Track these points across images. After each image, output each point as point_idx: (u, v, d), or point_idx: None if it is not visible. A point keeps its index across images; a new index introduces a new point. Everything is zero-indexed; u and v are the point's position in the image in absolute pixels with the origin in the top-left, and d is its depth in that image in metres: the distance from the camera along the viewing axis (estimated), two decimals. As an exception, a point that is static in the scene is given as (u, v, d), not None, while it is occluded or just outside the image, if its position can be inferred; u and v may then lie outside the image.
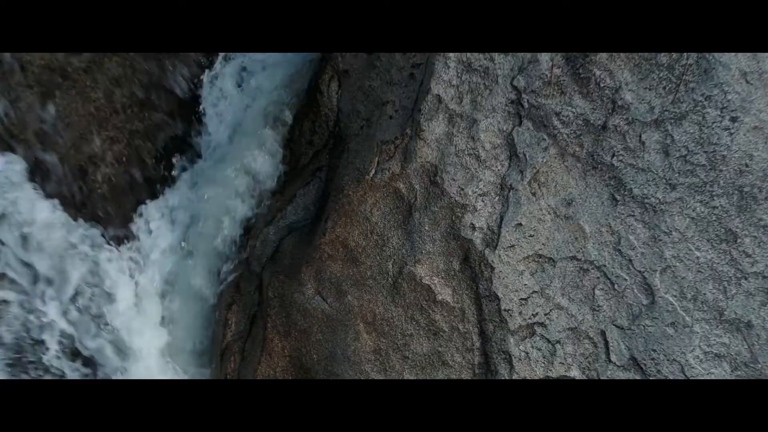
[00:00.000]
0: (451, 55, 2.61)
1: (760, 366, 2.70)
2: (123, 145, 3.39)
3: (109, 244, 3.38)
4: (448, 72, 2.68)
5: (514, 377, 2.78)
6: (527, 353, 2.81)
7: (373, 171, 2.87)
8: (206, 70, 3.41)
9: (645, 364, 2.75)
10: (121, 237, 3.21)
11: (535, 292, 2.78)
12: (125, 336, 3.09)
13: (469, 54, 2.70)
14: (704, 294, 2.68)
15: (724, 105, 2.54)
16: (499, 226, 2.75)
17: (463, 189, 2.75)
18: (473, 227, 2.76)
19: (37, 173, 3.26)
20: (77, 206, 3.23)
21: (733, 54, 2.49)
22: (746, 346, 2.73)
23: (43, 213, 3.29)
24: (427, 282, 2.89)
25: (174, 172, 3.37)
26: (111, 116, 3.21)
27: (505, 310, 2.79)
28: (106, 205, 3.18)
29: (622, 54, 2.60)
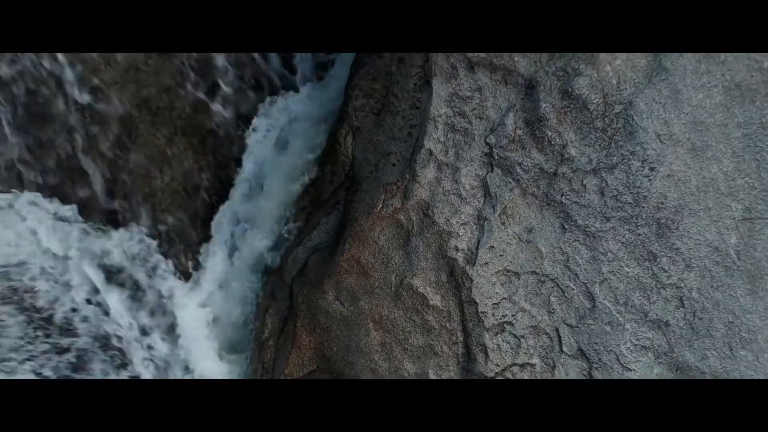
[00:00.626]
0: (440, 120, 3.30)
1: (675, 355, 3.35)
2: (181, 184, 4.07)
3: (176, 270, 4.06)
4: (437, 132, 3.36)
5: (488, 364, 3.45)
6: (499, 345, 3.47)
7: (380, 206, 3.56)
8: (251, 124, 4.05)
9: (589, 354, 3.41)
10: (185, 259, 3.89)
11: (505, 298, 3.45)
12: (184, 342, 3.75)
13: (454, 117, 3.40)
14: (633, 300, 3.34)
15: (645, 158, 3.21)
16: (477, 248, 3.43)
17: (448, 220, 3.43)
18: (457, 249, 3.44)
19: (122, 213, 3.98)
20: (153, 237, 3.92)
21: (650, 119, 3.18)
22: (665, 340, 3.38)
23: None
24: (421, 291, 3.56)
25: (225, 204, 4.08)
26: (172, 158, 3.89)
27: (481, 312, 3.45)
28: (172, 235, 3.85)
29: (568, 117, 3.29)
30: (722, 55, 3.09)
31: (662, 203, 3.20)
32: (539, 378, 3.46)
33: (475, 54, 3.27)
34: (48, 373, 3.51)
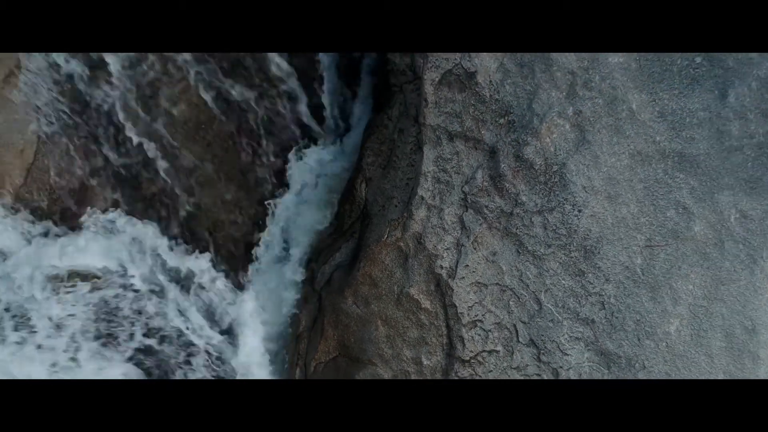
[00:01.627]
0: (429, 174, 4.41)
1: (599, 344, 4.40)
2: (235, 213, 5.16)
3: (234, 283, 5.16)
4: (427, 183, 4.46)
5: (465, 351, 4.52)
6: (472, 337, 4.54)
7: (386, 236, 4.64)
8: (285, 171, 5.19)
9: (538, 343, 4.46)
10: (240, 275, 5.00)
11: (476, 303, 4.52)
12: (241, 336, 4.84)
13: (439, 172, 4.50)
14: (568, 304, 4.41)
15: (574, 203, 4.29)
16: (456, 267, 4.50)
17: (435, 246, 4.51)
18: (441, 267, 4.52)
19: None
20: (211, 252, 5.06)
21: (577, 175, 4.26)
22: (592, 333, 4.45)
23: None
24: (416, 297, 4.63)
25: (267, 231, 5.20)
26: (229, 198, 5.01)
27: (459, 313, 4.52)
28: (227, 248, 4.96)
29: (520, 173, 4.39)
30: (628, 131, 4.19)
31: (587, 235, 4.29)
32: (504, 363, 4.54)
33: (453, 127, 4.39)
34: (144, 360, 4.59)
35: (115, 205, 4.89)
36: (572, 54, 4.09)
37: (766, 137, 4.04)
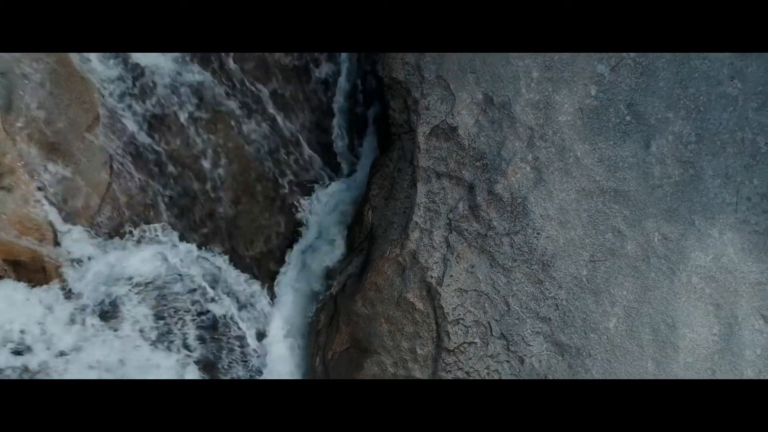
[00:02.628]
0: (421, 205, 5.51)
1: (555, 337, 5.46)
2: (268, 232, 6.24)
3: (266, 290, 6.26)
4: (420, 211, 5.54)
5: (449, 343, 5.58)
6: (456, 332, 5.58)
7: (388, 252, 5.69)
8: (308, 199, 6.28)
9: (507, 337, 5.50)
10: (270, 283, 6.09)
11: (459, 305, 5.59)
12: (274, 332, 5.94)
13: (429, 203, 5.60)
14: (530, 306, 5.47)
15: (534, 227, 5.35)
16: (443, 276, 5.57)
17: (426, 260, 5.58)
18: (432, 277, 5.58)
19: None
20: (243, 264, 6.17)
21: (536, 206, 5.33)
22: (549, 329, 5.50)
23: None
24: (411, 300, 5.67)
25: (296, 245, 6.33)
26: (261, 220, 6.11)
27: (446, 312, 5.57)
28: (263, 261, 6.10)
29: (492, 204, 5.49)
30: (574, 173, 5.29)
31: (544, 252, 5.36)
32: (481, 352, 5.60)
33: (440, 168, 5.47)
34: (195, 347, 5.69)
35: (169, 224, 5.99)
36: (531, 113, 5.19)
37: (680, 177, 5.11)
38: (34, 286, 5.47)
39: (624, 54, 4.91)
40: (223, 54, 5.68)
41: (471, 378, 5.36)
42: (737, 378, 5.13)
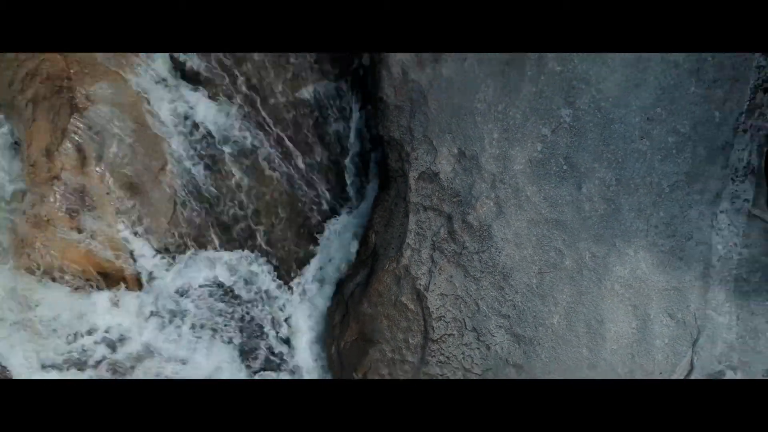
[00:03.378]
0: (412, 230, 7.13)
1: (513, 330, 7.09)
2: (296, 248, 7.92)
3: (291, 293, 7.93)
4: (411, 236, 7.17)
5: (434, 334, 7.19)
6: (439, 326, 7.11)
7: (387, 266, 7.25)
8: (326, 223, 7.98)
9: (477, 330, 7.10)
10: (293, 288, 7.80)
11: (441, 305, 7.19)
12: (300, 326, 7.63)
13: (418, 229, 7.24)
14: (494, 306, 7.07)
15: (496, 248, 6.96)
16: (429, 284, 7.18)
17: (416, 272, 7.17)
18: (420, 284, 7.16)
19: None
20: (275, 266, 7.85)
21: (498, 231, 6.98)
22: (509, 324, 7.10)
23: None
24: (405, 302, 7.28)
25: (315, 258, 7.98)
26: (291, 235, 7.83)
27: (431, 312, 7.15)
28: (291, 272, 7.77)
29: (465, 230, 7.13)
30: (526, 207, 6.92)
31: (504, 266, 6.97)
32: (457, 341, 7.22)
33: (426, 203, 7.14)
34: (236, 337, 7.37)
35: (218, 243, 7.63)
36: (493, 163, 6.83)
37: (604, 211, 6.74)
38: (117, 293, 7.11)
39: (561, 120, 6.56)
40: (262, 112, 7.30)
41: (450, 362, 6.98)
42: (651, 360, 6.75)
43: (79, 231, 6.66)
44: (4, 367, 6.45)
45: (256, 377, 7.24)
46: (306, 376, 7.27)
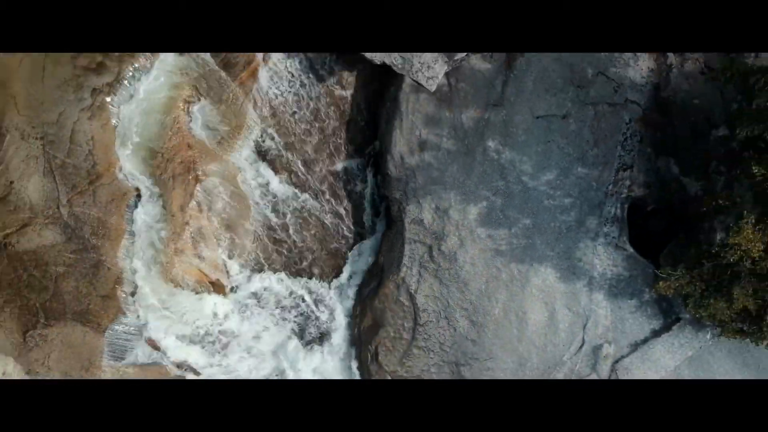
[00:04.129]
0: (406, 255, 11.00)
1: (471, 317, 10.96)
2: (330, 265, 11.87)
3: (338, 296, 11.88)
4: (405, 258, 11.00)
5: (421, 320, 11.06)
6: (423, 315, 10.81)
7: (390, 278, 10.94)
8: (351, 249, 11.78)
9: (448, 318, 10.94)
10: (329, 293, 11.71)
11: (425, 302, 10.89)
12: (336, 315, 11.55)
13: (411, 254, 11.13)
14: (459, 303, 10.74)
15: (460, 266, 10.76)
16: (417, 289, 10.96)
17: (409, 281, 10.94)
18: (412, 288, 10.68)
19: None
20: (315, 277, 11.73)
21: (460, 256, 10.86)
22: (468, 313, 10.95)
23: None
24: (402, 300, 10.71)
25: (344, 272, 11.82)
26: (322, 254, 11.68)
27: (418, 306, 10.85)
28: (328, 281, 11.64)
29: (440, 255, 11.04)
30: (477, 242, 10.80)
31: (466, 279, 10.65)
32: (436, 325, 11.13)
33: (417, 238, 11.05)
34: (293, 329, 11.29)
35: (282, 263, 11.58)
36: (456, 214, 10.73)
37: (525, 244, 10.62)
38: (219, 295, 11.04)
39: (498, 188, 10.44)
40: (310, 179, 11.23)
41: (431, 338, 10.88)
42: (557, 337, 10.65)
43: (198, 257, 10.60)
44: (154, 343, 10.32)
45: (307, 348, 11.19)
46: (338, 347, 11.20)
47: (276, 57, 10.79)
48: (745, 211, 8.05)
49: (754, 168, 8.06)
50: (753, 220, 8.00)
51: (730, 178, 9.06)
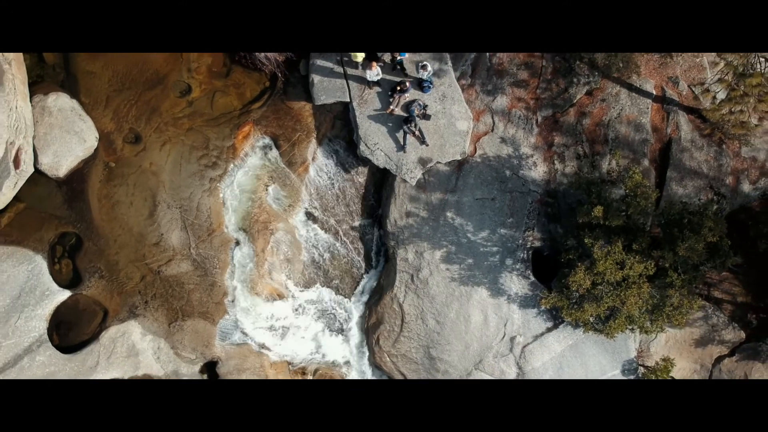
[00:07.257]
0: (398, 281, 17.49)
1: (436, 317, 17.44)
2: (350, 282, 18.34)
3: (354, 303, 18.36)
4: (397, 282, 17.50)
5: (406, 319, 17.55)
6: (407, 318, 17.21)
7: (387, 293, 17.32)
8: (364, 275, 18.23)
9: (423, 319, 17.37)
10: (349, 301, 18.11)
11: (409, 309, 17.34)
12: (353, 316, 18.01)
13: (401, 280, 17.65)
14: (429, 309, 16.79)
15: (430, 287, 17.15)
16: (403, 300, 17.29)
17: (399, 296, 17.28)
18: (401, 300, 17.29)
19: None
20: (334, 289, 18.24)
21: (431, 280, 17.38)
22: (434, 315, 17.38)
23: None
24: (394, 308, 16.94)
25: (361, 286, 18.22)
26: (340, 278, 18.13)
27: (404, 310, 17.33)
28: (346, 292, 18.09)
29: (418, 279, 17.61)
30: (442, 272, 17.33)
31: (433, 295, 16.91)
32: (415, 324, 17.63)
33: (406, 270, 17.58)
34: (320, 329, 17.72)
35: (319, 282, 18.11)
36: (428, 255, 17.27)
37: (467, 274, 17.15)
38: (281, 301, 17.57)
39: (453, 240, 16.99)
40: (340, 231, 17.85)
41: (412, 331, 17.43)
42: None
43: (271, 279, 17.21)
44: (244, 331, 16.93)
45: (333, 335, 17.74)
46: (354, 335, 17.75)
47: (320, 158, 17.44)
48: (579, 263, 14.63)
49: (586, 240, 14.64)
50: (584, 268, 14.57)
51: (580, 240, 15.65)
